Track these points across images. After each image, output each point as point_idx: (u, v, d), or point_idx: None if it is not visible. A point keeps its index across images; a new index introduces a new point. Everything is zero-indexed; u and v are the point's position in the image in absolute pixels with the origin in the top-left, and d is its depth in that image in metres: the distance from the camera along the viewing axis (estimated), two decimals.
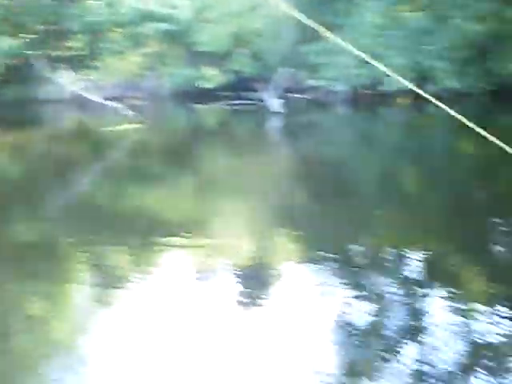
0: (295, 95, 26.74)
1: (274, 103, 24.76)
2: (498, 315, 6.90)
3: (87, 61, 31.72)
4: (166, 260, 9.35)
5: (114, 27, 32.72)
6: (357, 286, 7.95)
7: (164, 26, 31.79)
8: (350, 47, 6.13)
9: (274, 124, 24.35)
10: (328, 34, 5.95)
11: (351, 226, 10.69)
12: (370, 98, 27.91)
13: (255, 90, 27.84)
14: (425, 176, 14.99)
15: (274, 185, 14.28)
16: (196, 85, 30.44)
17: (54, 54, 32.09)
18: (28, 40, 31.39)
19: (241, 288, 8.16)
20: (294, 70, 26.93)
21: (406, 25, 26.96)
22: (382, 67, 6.65)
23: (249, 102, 26.95)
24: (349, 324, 6.88)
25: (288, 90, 26.65)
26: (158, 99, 30.36)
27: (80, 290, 8.34)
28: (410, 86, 7.58)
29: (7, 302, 7.98)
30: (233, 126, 25.87)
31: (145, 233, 10.52)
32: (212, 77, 30.35)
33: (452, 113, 5.60)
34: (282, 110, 24.44)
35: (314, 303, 7.47)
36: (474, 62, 27.09)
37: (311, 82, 27.60)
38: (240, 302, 7.66)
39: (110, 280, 8.40)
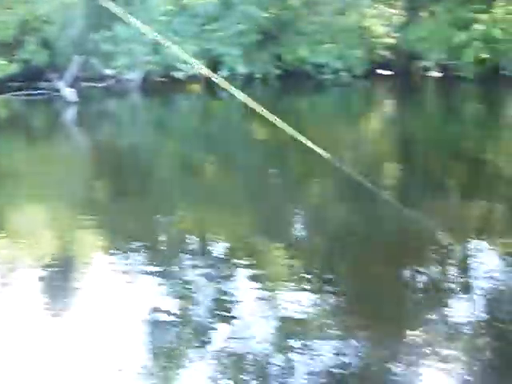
0: (89, 84, 26.41)
1: (68, 92, 24.30)
2: (300, 292, 7.45)
3: None
4: None
5: None
6: (165, 274, 8.13)
7: None
8: (148, 32, 6.35)
9: (69, 114, 23.88)
10: (129, 18, 6.13)
11: (156, 213, 10.90)
12: (163, 85, 28.25)
13: (48, 80, 27.26)
14: (222, 162, 15.39)
15: (73, 177, 14.13)
16: None
17: None
18: None
19: (46, 282, 8.03)
20: (88, 58, 26.58)
21: (194, 12, 27.52)
22: (177, 52, 6.93)
23: (42, 91, 26.34)
24: (159, 312, 7.03)
25: (82, 79, 26.28)
26: None
27: None
28: (204, 70, 7.88)
29: None
30: (26, 117, 25.13)
31: None
32: (4, 66, 29.26)
33: (242, 98, 5.96)
34: (77, 100, 24.04)
35: (123, 294, 7.56)
36: (262, 47, 28.17)
37: (105, 70, 27.45)
38: (46, 298, 7.63)
39: None
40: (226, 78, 24.55)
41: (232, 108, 22.34)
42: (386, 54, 30.00)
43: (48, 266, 8.53)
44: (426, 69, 28.20)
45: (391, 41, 29.59)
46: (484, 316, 6.83)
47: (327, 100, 26.75)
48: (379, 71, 29.71)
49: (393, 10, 30.09)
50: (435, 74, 28.08)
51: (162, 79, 28.52)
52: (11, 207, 11.82)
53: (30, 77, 29.73)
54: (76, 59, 25.99)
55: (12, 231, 10.37)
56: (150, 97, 27.25)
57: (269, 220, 10.48)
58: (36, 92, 26.37)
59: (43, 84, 26.99)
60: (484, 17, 25.57)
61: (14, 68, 29.32)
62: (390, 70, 29.74)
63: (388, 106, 25.78)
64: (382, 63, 30.02)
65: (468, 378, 5.66)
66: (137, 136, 19.28)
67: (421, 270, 8.05)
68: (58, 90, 25.58)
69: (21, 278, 8.23)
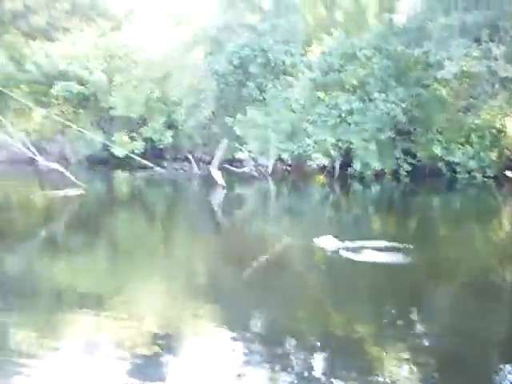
0: (226, 166, 26.02)
1: (217, 175, 23.58)
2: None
3: None
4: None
5: (18, 84, 31.01)
6: None
7: (75, 87, 30.42)
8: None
9: (219, 197, 22.88)
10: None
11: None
12: (292, 173, 27.92)
13: (177, 158, 27.23)
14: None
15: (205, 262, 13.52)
16: (110, 151, 29.36)
17: None
18: None
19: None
20: (224, 141, 26.31)
21: (331, 104, 27.18)
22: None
23: (180, 170, 26.27)
24: None
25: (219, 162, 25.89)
26: (68, 164, 28.76)
27: None
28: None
29: None
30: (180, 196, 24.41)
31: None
32: (127, 143, 29.38)
33: None
34: (224, 184, 23.25)
35: None
36: (394, 142, 27.70)
37: (238, 154, 27.23)
38: None
39: None
40: (357, 172, 23.86)
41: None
42: None
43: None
44: None
45: None
46: None
47: (458, 200, 25.88)
48: (507, 173, 29.00)
49: None
50: None
51: (288, 167, 28.22)
52: (128, 283, 11.31)
53: (157, 155, 30.07)
54: (223, 142, 25.66)
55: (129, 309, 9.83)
56: (282, 184, 26.58)
57: None
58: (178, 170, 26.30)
59: (176, 163, 27.05)
60: None
61: (136, 145, 29.38)
62: None
63: None
64: (510, 164, 29.38)
65: None
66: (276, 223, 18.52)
67: None
68: (193, 171, 25.29)
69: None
